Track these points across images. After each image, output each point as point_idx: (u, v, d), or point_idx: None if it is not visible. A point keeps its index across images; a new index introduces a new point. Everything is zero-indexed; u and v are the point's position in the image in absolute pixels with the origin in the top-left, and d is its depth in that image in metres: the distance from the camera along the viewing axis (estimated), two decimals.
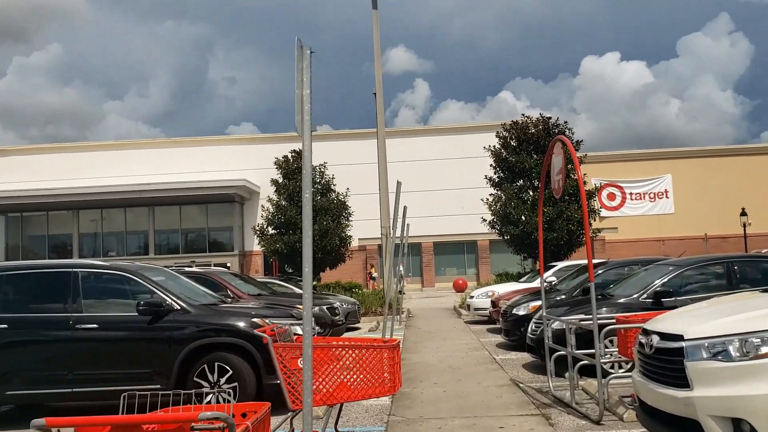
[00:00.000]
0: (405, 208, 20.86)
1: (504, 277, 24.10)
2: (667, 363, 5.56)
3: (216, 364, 8.28)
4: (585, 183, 23.77)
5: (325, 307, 12.75)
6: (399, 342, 6.65)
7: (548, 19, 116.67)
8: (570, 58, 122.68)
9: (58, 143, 48.77)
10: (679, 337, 5.48)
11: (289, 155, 24.19)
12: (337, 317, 13.22)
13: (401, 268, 43.27)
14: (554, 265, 19.38)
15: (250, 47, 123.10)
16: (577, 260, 21.00)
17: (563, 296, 13.34)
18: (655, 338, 5.84)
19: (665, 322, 6.07)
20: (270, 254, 23.80)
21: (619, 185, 48.11)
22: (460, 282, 40.34)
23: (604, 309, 10.26)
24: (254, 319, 8.50)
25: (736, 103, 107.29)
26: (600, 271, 13.76)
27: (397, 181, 14.66)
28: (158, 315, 8.35)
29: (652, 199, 48.98)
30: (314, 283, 25.07)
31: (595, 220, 24.28)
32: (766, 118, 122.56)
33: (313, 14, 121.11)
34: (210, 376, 8.29)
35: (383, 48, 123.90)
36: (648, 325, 6.24)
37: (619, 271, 14.30)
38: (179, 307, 8.44)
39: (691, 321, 5.72)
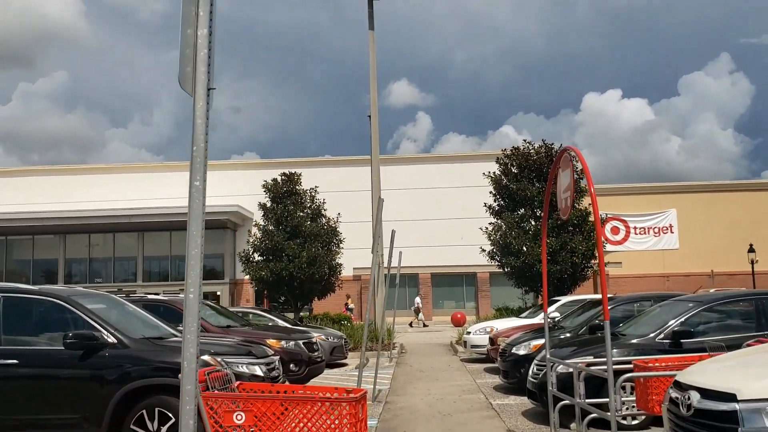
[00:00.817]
0: (393, 232, 19.57)
1: (504, 312, 22.72)
2: (713, 430, 4.24)
3: (156, 409, 6.93)
4: (589, 214, 22.54)
5: (301, 342, 11.40)
6: (365, 393, 5.31)
7: (551, 55, 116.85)
8: (572, 95, 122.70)
9: (46, 165, 47.72)
10: (731, 397, 4.16)
11: (279, 178, 22.99)
12: (316, 353, 11.86)
13: (418, 300, 41.95)
14: (557, 300, 18.02)
15: (254, 76, 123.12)
16: (582, 295, 19.65)
17: (568, 334, 12.00)
18: (695, 396, 4.51)
19: (706, 374, 4.74)
20: (256, 282, 22.49)
21: (623, 219, 46.80)
22: (459, 316, 38.77)
23: (614, 350, 8.92)
24: (205, 357, 7.16)
25: (737, 141, 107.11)
26: (608, 308, 12.41)
27: (379, 198, 13.40)
28: (90, 350, 7.02)
29: (657, 234, 47.62)
30: (302, 314, 23.64)
31: (605, 251, 22.92)
32: (767, 157, 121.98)
33: (316, 44, 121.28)
34: (149, 425, 6.94)
35: (386, 81, 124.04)
36: (683, 378, 4.91)
37: (628, 307, 12.99)
38: (115, 341, 7.11)
39: (746, 375, 4.39)
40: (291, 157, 41.94)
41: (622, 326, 10.38)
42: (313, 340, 12.04)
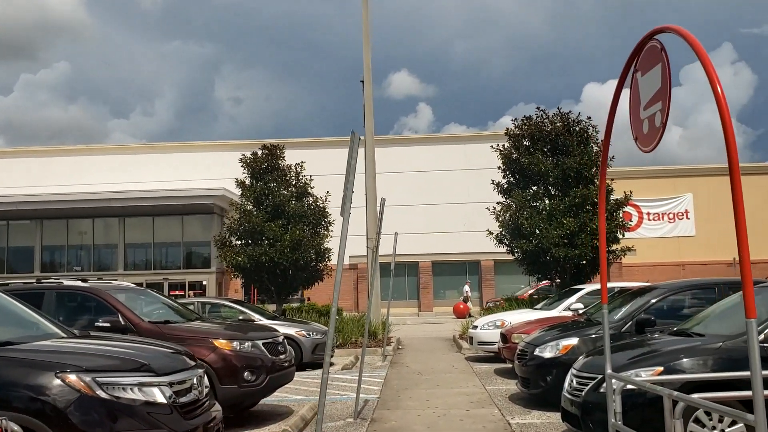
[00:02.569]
0: (383, 200, 16.89)
1: (514, 303, 20.04)
2: None
3: None
4: (612, 191, 19.83)
5: (261, 342, 8.72)
6: None
7: (552, 45, 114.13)
8: (573, 85, 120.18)
9: (20, 147, 45.03)
10: None
11: (259, 152, 20.26)
12: (283, 356, 9.18)
13: (467, 289, 38.71)
14: (579, 289, 15.33)
15: (255, 67, 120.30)
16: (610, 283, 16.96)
17: (611, 330, 9.27)
18: None
19: None
20: (232, 270, 19.84)
21: (636, 204, 43.92)
22: (461, 306, 36.18)
23: (695, 360, 6.28)
24: (68, 374, 4.47)
25: (739, 132, 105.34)
26: (651, 300, 9.76)
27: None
28: None
29: (672, 220, 44.96)
30: (294, 305, 20.96)
31: (623, 236, 20.28)
32: None
33: (317, 35, 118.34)
34: None
35: (386, 72, 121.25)
36: None
37: (677, 298, 10.32)
38: None
39: None
40: (281, 135, 39.16)
41: (690, 323, 7.67)
42: (279, 339, 9.33)
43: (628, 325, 9.06)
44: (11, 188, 39.38)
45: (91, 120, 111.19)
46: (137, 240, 39.42)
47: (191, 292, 36.33)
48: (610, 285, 15.36)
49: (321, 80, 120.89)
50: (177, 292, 38.13)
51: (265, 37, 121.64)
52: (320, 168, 27.05)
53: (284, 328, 14.64)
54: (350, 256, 39.32)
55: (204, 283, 38.08)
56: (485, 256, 40.13)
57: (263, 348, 8.79)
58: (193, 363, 5.69)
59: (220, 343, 8.42)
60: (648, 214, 44.64)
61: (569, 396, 7.00)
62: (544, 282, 30.49)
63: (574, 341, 9.15)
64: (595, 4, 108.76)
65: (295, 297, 36.81)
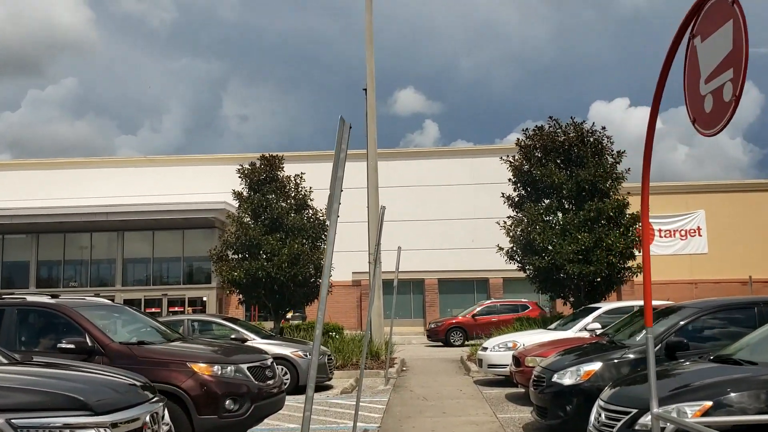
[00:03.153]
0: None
1: (525, 323, 19.00)
2: None
3: None
4: (627, 205, 18.84)
5: (246, 366, 7.75)
6: None
7: (558, 62, 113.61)
8: (580, 102, 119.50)
9: (17, 160, 44.34)
10: None
11: (258, 162, 19.38)
12: (272, 381, 8.19)
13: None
14: (596, 308, 14.31)
15: (262, 84, 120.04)
16: (624, 301, 15.95)
17: (631, 355, 8.28)
18: None
19: None
20: (227, 285, 18.89)
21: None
22: None
23: (737, 394, 5.31)
24: None
25: (746, 150, 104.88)
26: (681, 321, 8.75)
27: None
28: None
29: (683, 237, 43.82)
30: (293, 323, 19.96)
31: (640, 252, 19.25)
32: None
33: (322, 51, 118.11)
34: None
35: (392, 89, 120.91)
36: None
37: (710, 318, 9.30)
38: None
39: None
40: (286, 150, 38.15)
41: (732, 348, 6.68)
42: (267, 362, 8.35)
43: (656, 349, 8.03)
44: (7, 201, 38.60)
45: (98, 136, 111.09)
46: (136, 255, 38.55)
47: (190, 309, 35.36)
48: (629, 303, 14.38)
49: (326, 96, 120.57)
50: (176, 309, 37.21)
51: (271, 53, 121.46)
52: (321, 182, 26.07)
53: (279, 348, 13.72)
54: (353, 273, 38.38)
55: (204, 299, 37.14)
56: (494, 274, 39.06)
57: (248, 373, 7.81)
58: (150, 396, 4.74)
59: (199, 367, 7.46)
60: (660, 230, 43.52)
61: (598, 430, 5.99)
62: (488, 302, 29.73)
63: (596, 366, 8.15)
64: (602, 21, 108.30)
65: (297, 315, 35.86)
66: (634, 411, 5.46)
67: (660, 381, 6.16)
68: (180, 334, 9.19)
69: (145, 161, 42.34)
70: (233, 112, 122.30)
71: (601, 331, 12.44)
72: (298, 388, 13.57)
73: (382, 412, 11.11)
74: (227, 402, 7.41)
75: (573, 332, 13.67)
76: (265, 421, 9.73)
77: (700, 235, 43.81)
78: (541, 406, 8.63)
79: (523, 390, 12.19)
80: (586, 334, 13.47)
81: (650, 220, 20.34)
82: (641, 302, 14.10)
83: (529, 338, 13.82)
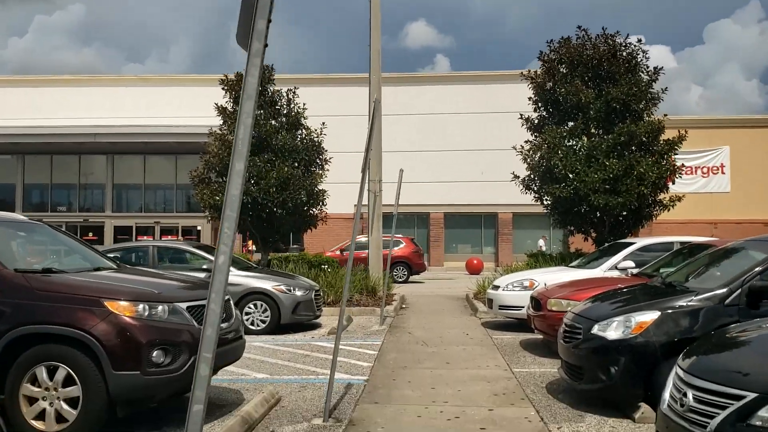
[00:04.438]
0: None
1: (540, 260, 17.02)
2: None
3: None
4: (663, 129, 16.61)
5: (185, 306, 5.77)
6: None
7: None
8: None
9: (1, 76, 41.90)
10: None
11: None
12: (224, 324, 6.24)
13: (542, 243, 34.01)
14: (628, 244, 12.27)
15: (273, 14, 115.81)
16: (659, 237, 13.88)
17: (695, 301, 6.23)
18: None
19: None
20: (209, 211, 16.89)
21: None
22: (475, 262, 33.27)
23: None
24: None
25: (761, 92, 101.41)
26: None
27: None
28: None
29: (705, 175, 41.49)
30: (272, 256, 18.05)
31: (673, 183, 17.13)
32: None
33: None
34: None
35: (402, 22, 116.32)
36: None
37: None
38: None
39: None
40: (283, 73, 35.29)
41: None
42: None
43: (734, 296, 6.01)
44: None
45: (105, 64, 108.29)
46: (127, 180, 36.62)
47: (182, 238, 33.60)
48: (669, 239, 12.36)
49: (336, 31, 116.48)
50: (170, 237, 35.49)
51: None
52: (319, 107, 23.89)
53: (259, 282, 11.88)
54: (354, 205, 36.28)
55: (199, 228, 35.33)
56: (503, 209, 37.06)
57: (187, 314, 5.85)
58: None
59: (118, 305, 5.49)
60: (681, 167, 41.14)
61: (682, 418, 3.98)
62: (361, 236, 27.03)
63: (653, 316, 6.15)
64: None
65: (294, 246, 34.08)
66: (751, 396, 3.47)
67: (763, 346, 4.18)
68: (116, 263, 7.22)
69: (137, 80, 39.86)
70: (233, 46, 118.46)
71: (638, 271, 10.46)
72: (280, 327, 11.78)
73: (373, 359, 9.23)
74: (155, 353, 5.47)
75: (601, 271, 11.71)
76: (228, 369, 7.89)
77: (723, 173, 41.49)
78: (575, 364, 6.67)
79: (541, 337, 10.32)
80: (615, 273, 11.51)
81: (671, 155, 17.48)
82: (683, 238, 12.08)
83: (549, 277, 11.85)
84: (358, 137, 18.83)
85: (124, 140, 34.29)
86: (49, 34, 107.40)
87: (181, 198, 36.77)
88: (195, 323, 5.86)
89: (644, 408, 6.04)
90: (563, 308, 9.10)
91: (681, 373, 4.13)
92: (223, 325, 6.33)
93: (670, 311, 6.12)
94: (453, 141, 37.53)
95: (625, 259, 11.70)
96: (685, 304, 6.16)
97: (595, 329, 6.39)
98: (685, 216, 40.25)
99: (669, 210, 17.03)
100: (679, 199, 16.96)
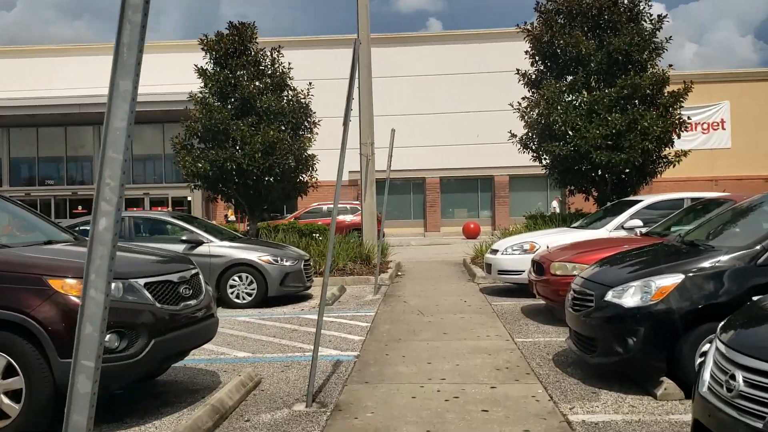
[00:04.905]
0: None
1: (539, 222, 16.29)
2: None
3: None
4: (667, 80, 15.80)
5: (141, 283, 5.05)
6: None
7: None
8: None
9: None
10: None
11: (225, 32, 16.14)
12: (193, 302, 5.53)
13: (556, 205, 32.76)
14: (635, 201, 11.55)
15: None
16: (673, 194, 13.12)
17: (720, 260, 5.52)
18: None
19: None
20: (190, 180, 16.11)
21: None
22: (472, 226, 32.64)
23: None
24: None
25: (756, 48, 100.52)
26: None
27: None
28: None
29: (706, 131, 40.66)
30: (261, 223, 17.30)
31: (678, 137, 16.34)
32: None
33: None
34: None
35: None
36: None
37: None
38: None
39: None
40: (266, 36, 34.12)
41: None
42: (187, 275, 5.65)
43: (765, 258, 5.31)
44: None
45: (96, 37, 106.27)
46: None
47: (167, 209, 32.83)
48: (678, 195, 11.65)
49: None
50: (160, 209, 34.72)
51: None
52: (306, 73, 22.90)
53: (244, 253, 11.17)
54: (349, 172, 35.47)
55: (189, 199, 34.54)
56: (499, 171, 36.28)
57: (146, 292, 5.13)
58: None
59: (63, 284, 4.77)
60: (687, 119, 40.30)
61: (730, 406, 3.28)
62: (314, 204, 26.78)
63: (676, 279, 5.45)
64: None
65: (288, 215, 33.31)
66: None
67: None
68: (74, 235, 6.49)
69: None
70: (233, 11, 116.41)
71: (647, 230, 9.76)
72: (266, 300, 11.10)
73: (365, 332, 8.56)
74: (107, 337, 4.75)
75: (606, 231, 11.01)
76: (207, 347, 7.24)
77: (723, 129, 40.67)
78: (586, 335, 5.99)
79: (544, 303, 9.66)
80: (622, 233, 10.83)
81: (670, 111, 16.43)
82: (693, 194, 11.37)
83: (551, 239, 11.15)
84: (343, 97, 17.94)
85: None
86: (38, 7, 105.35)
87: (170, 168, 35.84)
88: (156, 302, 5.15)
89: (667, 383, 5.38)
90: (568, 272, 8.44)
91: (723, 348, 3.43)
92: (192, 303, 5.65)
93: (694, 274, 5.42)
94: (447, 103, 36.58)
95: (632, 217, 11.03)
96: (711, 265, 5.45)
97: (610, 296, 5.69)
98: (685, 174, 39.43)
99: (674, 166, 16.30)
100: (685, 154, 16.21)
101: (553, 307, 9.28)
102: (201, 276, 6.03)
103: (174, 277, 5.48)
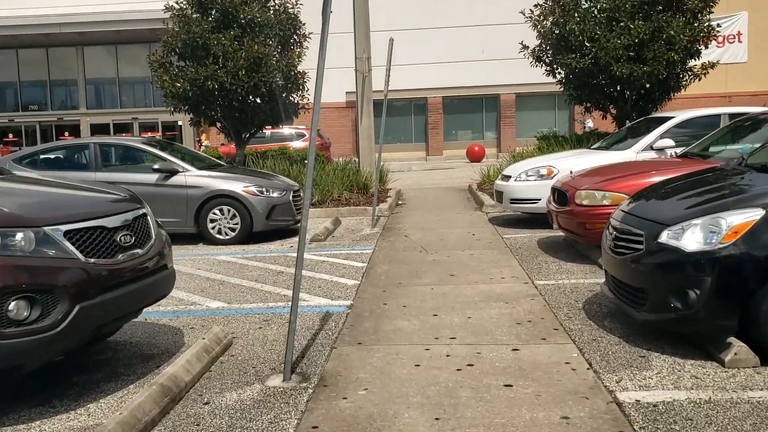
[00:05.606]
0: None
1: (552, 142, 14.94)
2: None
3: None
4: None
5: (60, 231, 3.89)
6: None
7: None
8: None
9: None
10: None
11: None
12: (139, 251, 4.37)
13: (590, 124, 29.64)
14: (665, 119, 10.21)
15: None
16: (706, 109, 11.74)
17: None
18: None
19: None
20: (170, 102, 14.71)
21: None
22: (476, 149, 31.29)
23: None
24: None
25: None
26: None
27: None
28: None
29: (721, 44, 38.51)
30: (243, 152, 15.95)
31: (706, 47, 14.82)
32: None
33: None
34: None
35: None
36: None
37: None
38: None
39: None
40: None
41: None
42: (129, 218, 4.44)
43: None
44: None
45: None
46: (100, 74, 33.96)
47: (160, 135, 31.46)
48: (713, 111, 10.32)
49: None
50: (150, 134, 33.33)
51: None
52: None
53: (226, 183, 9.96)
54: (346, 92, 33.87)
55: (180, 123, 33.03)
56: (505, 89, 34.57)
57: (67, 243, 3.93)
58: None
59: None
60: (717, 26, 38.28)
61: None
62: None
63: (753, 216, 4.23)
64: None
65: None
66: None
67: None
68: (2, 171, 5.27)
69: None
70: None
71: (683, 150, 8.50)
72: (252, 236, 9.95)
73: (360, 275, 7.43)
74: (11, 305, 3.59)
75: (633, 153, 9.75)
76: (175, 296, 6.16)
77: (739, 41, 38.69)
78: (632, 285, 4.81)
79: (562, 234, 8.50)
80: (650, 155, 9.59)
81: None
82: (733, 109, 10.02)
83: (571, 162, 9.89)
84: (347, 15, 16.40)
85: (93, 29, 31.46)
86: None
87: (159, 92, 34.24)
88: (81, 255, 3.96)
89: (737, 346, 4.26)
90: (597, 202, 7.24)
91: None
92: (138, 252, 4.45)
93: None
94: (449, 16, 34.46)
95: (662, 137, 9.75)
96: None
97: (665, 236, 4.49)
98: (696, 90, 37.87)
99: (700, 79, 14.87)
100: (712, 66, 14.77)
101: (576, 241, 8.13)
102: (150, 217, 4.81)
103: (108, 222, 4.27)
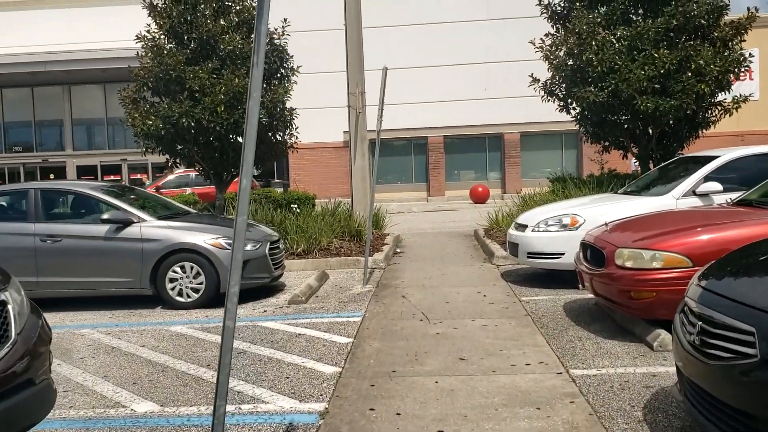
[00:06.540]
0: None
1: (568, 186, 13.37)
2: None
3: None
4: (726, 7, 12.83)
5: None
6: None
7: None
8: None
9: None
10: None
11: None
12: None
13: (636, 163, 28.09)
14: (710, 158, 8.67)
15: None
16: (752, 147, 10.23)
17: None
18: None
19: None
20: (142, 141, 13.26)
21: None
22: (480, 189, 29.83)
23: None
24: None
25: None
26: None
27: None
28: None
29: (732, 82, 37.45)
30: (223, 196, 14.45)
31: (738, 78, 13.39)
32: None
33: None
34: None
35: None
36: None
37: None
38: None
39: None
40: None
41: None
42: None
43: None
44: None
45: None
46: (87, 114, 32.75)
47: (143, 176, 30.09)
48: (758, 149, 8.80)
49: None
50: (138, 176, 31.98)
51: None
52: (301, 22, 19.99)
53: (187, 235, 8.41)
54: (344, 132, 32.48)
55: (170, 163, 31.59)
56: (509, 128, 33.22)
57: None
58: None
59: None
60: (749, 56, 37.18)
61: None
62: (180, 171, 21.55)
63: None
64: None
65: (278, 181, 30.40)
66: None
67: None
68: None
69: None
70: None
71: (739, 197, 6.94)
72: (219, 298, 8.32)
73: (343, 356, 5.81)
74: None
75: (672, 199, 8.20)
76: (98, 390, 4.54)
77: (750, 79, 37.41)
78: (736, 408, 3.19)
79: (594, 297, 6.89)
80: (693, 202, 8.05)
81: None
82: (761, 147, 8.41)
83: (598, 210, 8.34)
84: (340, 52, 14.96)
85: (79, 67, 30.35)
86: None
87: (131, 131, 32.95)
88: None
89: None
90: (645, 264, 5.67)
91: None
92: None
93: None
94: (451, 54, 33.29)
95: (706, 179, 8.21)
96: None
97: None
98: (710, 129, 36.69)
99: (731, 114, 13.42)
100: (745, 100, 13.32)
101: (614, 311, 6.53)
102: (12, 306, 3.22)
103: None
